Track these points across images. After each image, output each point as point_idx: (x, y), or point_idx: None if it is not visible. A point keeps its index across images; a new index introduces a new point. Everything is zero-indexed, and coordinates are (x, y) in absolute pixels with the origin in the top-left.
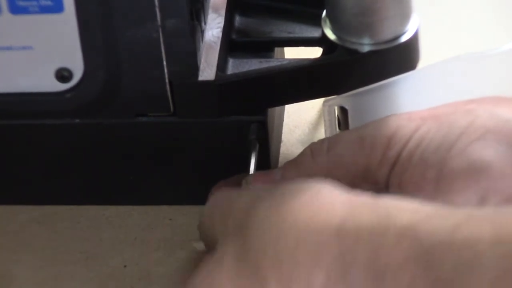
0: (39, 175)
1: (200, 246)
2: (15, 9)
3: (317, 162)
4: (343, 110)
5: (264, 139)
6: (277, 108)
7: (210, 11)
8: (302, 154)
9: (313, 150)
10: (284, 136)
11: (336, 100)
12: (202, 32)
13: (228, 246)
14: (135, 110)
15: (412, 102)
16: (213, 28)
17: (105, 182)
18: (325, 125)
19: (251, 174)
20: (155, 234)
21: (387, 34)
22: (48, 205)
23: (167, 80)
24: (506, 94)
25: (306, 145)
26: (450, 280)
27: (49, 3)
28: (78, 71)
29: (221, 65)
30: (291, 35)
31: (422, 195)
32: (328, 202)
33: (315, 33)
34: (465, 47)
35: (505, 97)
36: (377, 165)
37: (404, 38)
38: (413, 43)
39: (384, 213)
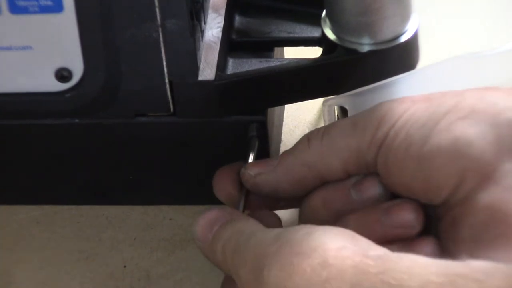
0: (39, 175)
1: None
2: (15, 9)
3: (312, 146)
4: (343, 110)
5: (264, 139)
6: (277, 108)
7: (210, 11)
8: (300, 140)
9: (309, 136)
10: (284, 136)
11: (336, 100)
12: (202, 32)
13: None
14: (134, 110)
15: None
16: (213, 28)
17: (105, 182)
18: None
19: (249, 163)
20: (155, 234)
21: (386, 34)
22: (48, 205)
23: (167, 80)
24: None
25: None
26: None
27: (49, 3)
28: (78, 71)
29: (221, 65)
30: (291, 35)
31: (405, 174)
32: (337, 271)
33: (315, 33)
34: (465, 47)
35: (496, 87)
36: (366, 148)
37: (403, 38)
38: (413, 43)
39: (397, 279)
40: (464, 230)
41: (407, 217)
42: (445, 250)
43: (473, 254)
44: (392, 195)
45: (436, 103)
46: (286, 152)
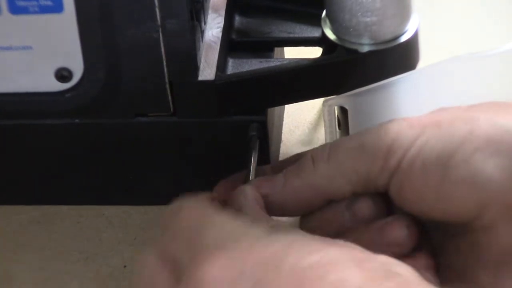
0: (39, 175)
1: None
2: (15, 9)
3: (318, 169)
4: (343, 110)
5: (264, 139)
6: (277, 108)
7: (210, 11)
8: (303, 160)
9: (314, 157)
10: (284, 136)
11: (336, 100)
12: (202, 32)
13: None
14: (134, 110)
15: (412, 102)
16: (213, 28)
17: (105, 182)
18: (325, 125)
19: (253, 180)
20: (155, 234)
21: (386, 34)
22: (48, 205)
23: (167, 80)
24: (506, 95)
25: (306, 145)
26: None
27: (49, 3)
28: (78, 71)
29: (221, 65)
30: (291, 35)
31: (423, 203)
32: None
33: (315, 33)
34: (465, 47)
35: (505, 103)
36: (377, 173)
37: (403, 38)
38: (413, 43)
39: None
40: (486, 255)
41: (399, 234)
42: (447, 264)
43: (496, 277)
44: (387, 211)
45: (448, 130)
46: (291, 171)
